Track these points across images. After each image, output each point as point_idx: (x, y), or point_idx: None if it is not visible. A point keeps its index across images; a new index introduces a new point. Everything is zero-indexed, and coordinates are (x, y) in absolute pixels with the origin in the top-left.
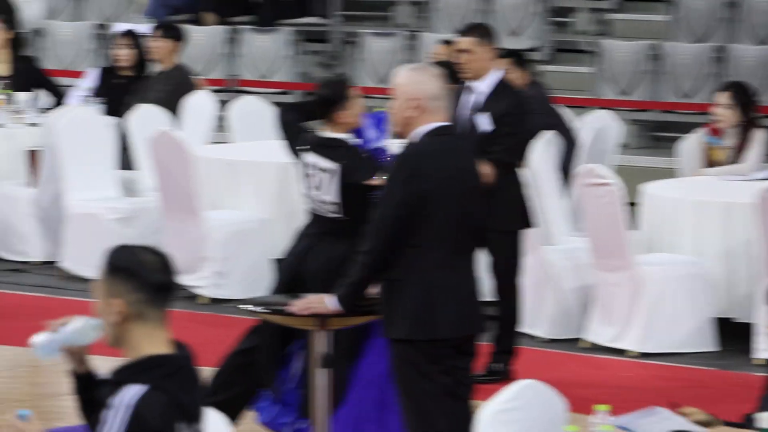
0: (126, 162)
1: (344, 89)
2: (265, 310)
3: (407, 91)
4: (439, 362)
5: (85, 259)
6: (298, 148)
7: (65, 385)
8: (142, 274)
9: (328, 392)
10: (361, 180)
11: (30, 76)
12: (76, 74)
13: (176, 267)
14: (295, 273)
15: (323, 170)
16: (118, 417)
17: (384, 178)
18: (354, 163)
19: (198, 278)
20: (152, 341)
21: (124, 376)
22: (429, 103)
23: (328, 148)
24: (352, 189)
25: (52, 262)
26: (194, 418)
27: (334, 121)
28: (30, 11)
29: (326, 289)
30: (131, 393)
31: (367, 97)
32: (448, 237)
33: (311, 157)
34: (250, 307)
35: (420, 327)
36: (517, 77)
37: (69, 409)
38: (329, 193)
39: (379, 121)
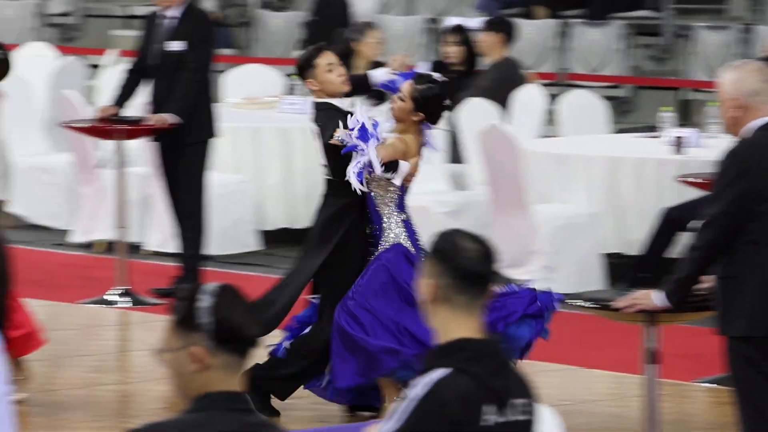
0: (456, 155)
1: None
2: (592, 306)
3: (728, 91)
4: None
5: None
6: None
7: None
8: (455, 260)
9: None
10: (325, 140)
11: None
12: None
13: (500, 258)
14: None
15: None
16: (413, 400)
17: (338, 137)
18: (323, 123)
19: (526, 272)
20: (459, 326)
21: (428, 363)
22: (750, 100)
23: (316, 110)
24: (331, 149)
25: None
26: (506, 404)
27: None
28: (362, 5)
29: (319, 252)
30: (431, 376)
31: (699, 91)
32: None
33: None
34: (578, 302)
35: (758, 323)
36: None
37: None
38: (320, 155)
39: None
